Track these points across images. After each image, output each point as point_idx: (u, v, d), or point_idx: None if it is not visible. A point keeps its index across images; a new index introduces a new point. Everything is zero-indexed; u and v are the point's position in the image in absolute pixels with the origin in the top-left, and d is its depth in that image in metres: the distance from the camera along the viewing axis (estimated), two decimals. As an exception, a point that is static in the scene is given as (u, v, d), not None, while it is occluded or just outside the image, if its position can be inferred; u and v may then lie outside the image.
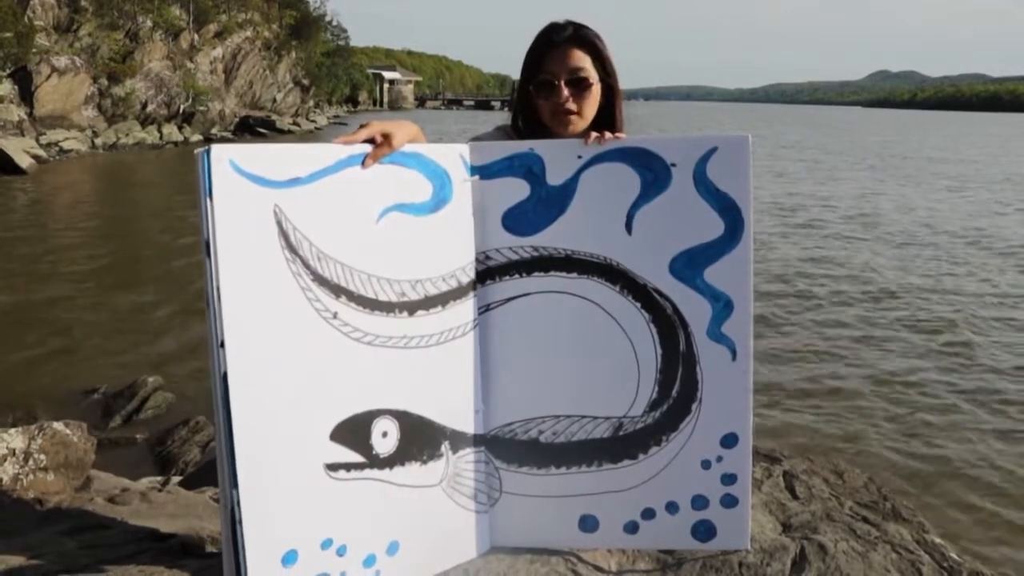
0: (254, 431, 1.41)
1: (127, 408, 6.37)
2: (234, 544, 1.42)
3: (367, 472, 1.57)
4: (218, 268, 1.35)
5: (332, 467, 1.52)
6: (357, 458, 1.56)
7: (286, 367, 1.44)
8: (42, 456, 2.81)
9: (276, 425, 1.44)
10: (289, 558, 1.47)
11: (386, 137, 1.52)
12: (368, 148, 1.52)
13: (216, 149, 1.36)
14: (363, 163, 1.51)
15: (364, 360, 1.55)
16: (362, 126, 1.54)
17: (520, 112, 1.83)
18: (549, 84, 1.73)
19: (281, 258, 1.43)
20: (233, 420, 1.38)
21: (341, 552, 1.55)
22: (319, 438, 1.51)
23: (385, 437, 1.59)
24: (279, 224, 1.42)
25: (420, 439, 1.65)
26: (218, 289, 1.36)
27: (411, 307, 1.61)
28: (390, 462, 1.61)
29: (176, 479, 4.16)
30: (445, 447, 1.69)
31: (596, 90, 1.75)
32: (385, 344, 1.58)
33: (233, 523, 1.41)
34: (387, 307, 1.57)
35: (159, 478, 4.30)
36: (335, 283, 1.50)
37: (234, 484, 1.39)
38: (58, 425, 2.98)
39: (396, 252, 1.58)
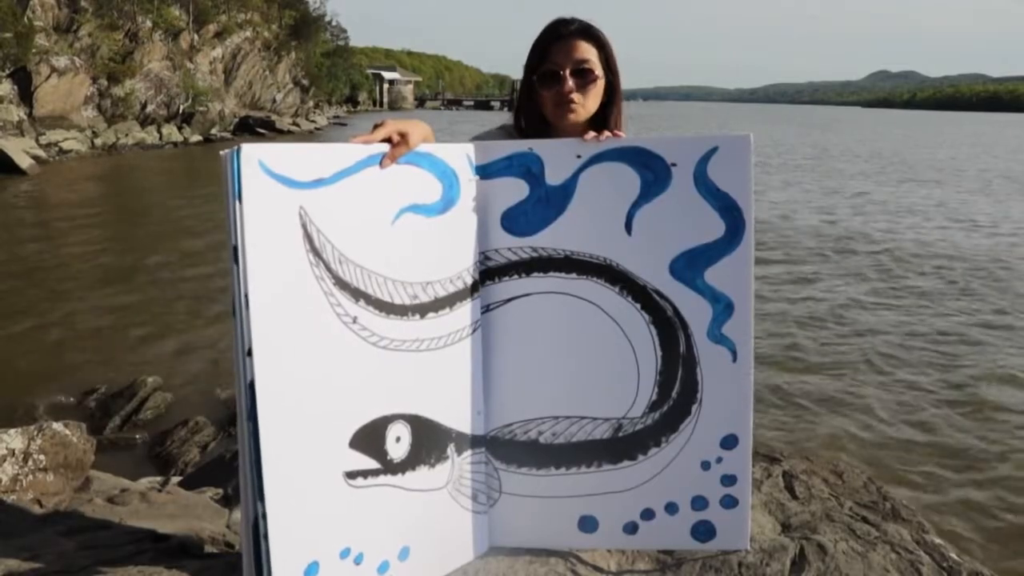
0: (280, 441, 1.38)
1: (126, 408, 6.37)
2: (257, 557, 1.40)
3: (381, 478, 1.56)
4: (247, 274, 1.32)
5: (351, 475, 1.51)
6: (373, 464, 1.54)
7: (310, 375, 1.42)
8: (41, 456, 2.81)
9: (301, 434, 1.42)
10: (311, 570, 1.45)
11: (403, 136, 1.51)
12: (386, 148, 1.51)
13: (246, 149, 1.32)
14: (381, 163, 1.50)
15: (380, 365, 1.53)
16: (377, 125, 1.52)
17: (523, 108, 1.82)
18: (554, 74, 1.72)
19: (306, 262, 1.40)
20: (260, 431, 1.35)
21: (358, 560, 1.53)
22: (340, 446, 1.49)
23: (398, 442, 1.58)
24: (304, 227, 1.39)
25: (429, 443, 1.64)
26: (246, 296, 1.32)
27: (423, 310, 1.59)
28: (402, 467, 1.60)
29: (175, 479, 4.16)
30: (451, 450, 1.68)
31: (600, 84, 1.74)
32: (399, 348, 1.56)
33: (257, 536, 1.39)
34: (401, 310, 1.56)
35: (158, 478, 4.30)
36: (355, 287, 1.48)
37: (260, 496, 1.36)
38: (57, 425, 2.98)
39: (409, 254, 1.56)
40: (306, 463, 1.43)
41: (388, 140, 1.51)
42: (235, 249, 1.32)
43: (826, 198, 20.79)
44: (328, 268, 1.43)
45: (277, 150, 1.36)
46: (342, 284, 1.46)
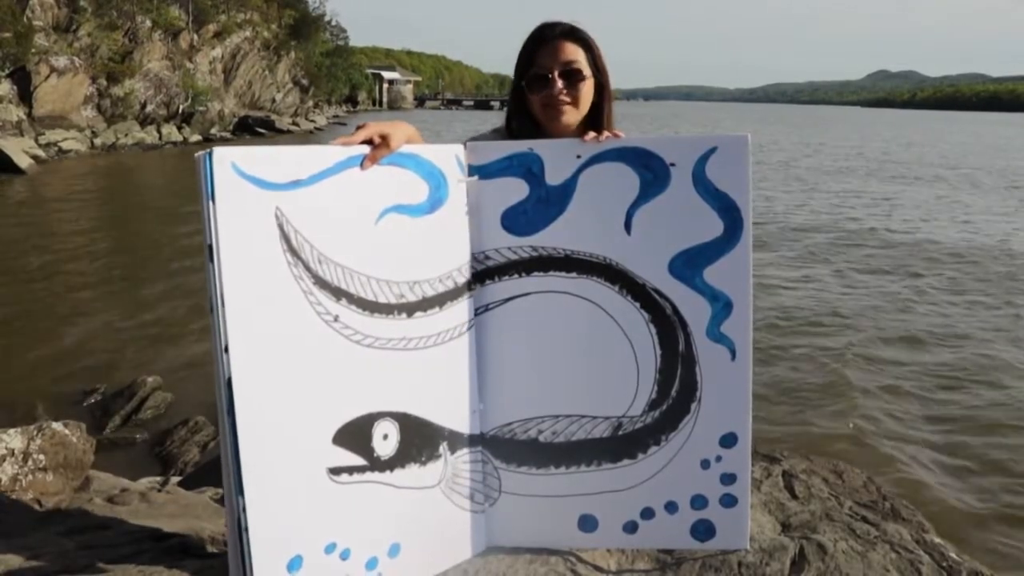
0: (259, 437, 1.40)
1: (126, 408, 6.37)
2: (240, 551, 1.42)
3: (368, 475, 1.58)
4: (221, 272, 1.35)
5: (335, 471, 1.53)
6: (359, 461, 1.56)
7: (289, 372, 1.44)
8: (41, 456, 2.81)
9: (280, 430, 1.44)
10: (294, 564, 1.47)
11: (384, 138, 1.53)
12: (366, 149, 1.52)
13: (218, 152, 1.36)
14: (361, 165, 1.52)
15: (364, 363, 1.55)
16: (359, 127, 1.54)
17: (514, 113, 1.82)
18: (542, 77, 1.73)
19: (283, 261, 1.43)
20: (238, 426, 1.37)
21: (344, 556, 1.55)
22: (322, 442, 1.51)
23: (386, 439, 1.60)
24: (280, 227, 1.42)
25: (419, 440, 1.65)
26: (221, 294, 1.35)
27: (409, 309, 1.61)
28: (390, 464, 1.61)
29: (175, 479, 4.16)
30: (443, 448, 1.69)
31: (589, 84, 1.75)
32: (384, 346, 1.58)
33: (239, 529, 1.41)
34: (386, 309, 1.58)
35: (158, 478, 4.30)
36: (336, 286, 1.50)
37: (240, 491, 1.39)
38: (57, 425, 2.97)
39: (394, 254, 1.58)
40: (286, 458, 1.45)
41: (369, 142, 1.52)
42: (210, 248, 1.35)
43: (808, 194, 20.99)
44: (307, 267, 1.46)
45: (251, 152, 1.39)
46: (322, 283, 1.48)
